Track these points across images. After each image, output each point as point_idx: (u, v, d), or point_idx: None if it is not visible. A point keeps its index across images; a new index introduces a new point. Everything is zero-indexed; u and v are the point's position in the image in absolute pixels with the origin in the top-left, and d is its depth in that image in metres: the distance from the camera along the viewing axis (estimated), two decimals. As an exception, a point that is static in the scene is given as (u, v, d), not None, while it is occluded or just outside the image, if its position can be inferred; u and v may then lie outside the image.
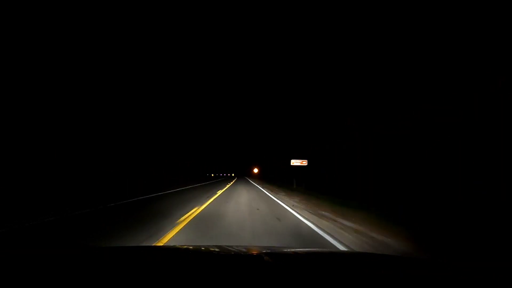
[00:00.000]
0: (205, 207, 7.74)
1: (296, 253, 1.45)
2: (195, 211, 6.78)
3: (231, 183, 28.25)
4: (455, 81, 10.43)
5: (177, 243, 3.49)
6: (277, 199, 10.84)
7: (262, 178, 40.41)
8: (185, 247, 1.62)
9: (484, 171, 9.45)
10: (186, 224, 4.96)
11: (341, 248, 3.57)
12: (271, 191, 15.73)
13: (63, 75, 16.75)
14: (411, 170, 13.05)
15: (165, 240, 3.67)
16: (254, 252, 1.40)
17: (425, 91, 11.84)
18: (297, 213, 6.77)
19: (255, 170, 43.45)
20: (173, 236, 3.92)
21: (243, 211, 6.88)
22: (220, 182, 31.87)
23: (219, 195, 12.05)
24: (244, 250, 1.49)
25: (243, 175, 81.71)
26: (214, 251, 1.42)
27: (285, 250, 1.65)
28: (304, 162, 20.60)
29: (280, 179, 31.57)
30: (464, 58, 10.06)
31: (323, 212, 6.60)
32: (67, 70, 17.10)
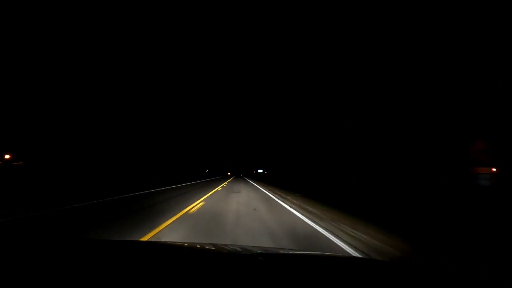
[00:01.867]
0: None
1: (291, 255, 1.45)
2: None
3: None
4: (455, 81, 10.43)
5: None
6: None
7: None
8: (180, 244, 1.62)
9: (484, 171, 9.45)
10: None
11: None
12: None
13: (64, 76, 16.81)
14: (412, 170, 13.04)
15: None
16: (249, 252, 1.40)
17: (425, 91, 11.84)
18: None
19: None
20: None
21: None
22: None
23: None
24: (239, 249, 1.49)
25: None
26: (209, 249, 1.42)
27: (281, 251, 1.64)
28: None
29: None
30: (464, 58, 10.06)
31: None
32: (68, 71, 17.16)
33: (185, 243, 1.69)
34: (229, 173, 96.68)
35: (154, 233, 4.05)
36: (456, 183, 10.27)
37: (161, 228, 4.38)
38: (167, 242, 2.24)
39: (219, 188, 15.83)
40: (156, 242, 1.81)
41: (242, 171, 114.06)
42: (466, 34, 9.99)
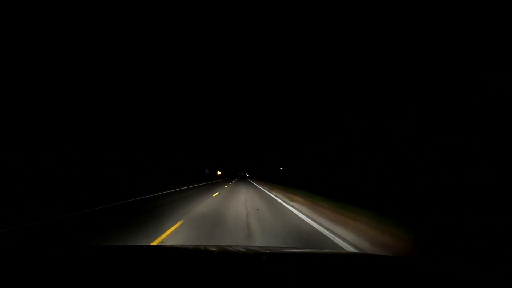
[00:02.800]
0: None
1: (295, 254, 1.46)
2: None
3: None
4: (455, 81, 10.43)
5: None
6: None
7: None
8: (184, 246, 1.63)
9: (483, 171, 9.45)
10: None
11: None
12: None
13: (64, 76, 16.75)
14: (412, 170, 13.04)
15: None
16: (253, 253, 1.40)
17: (425, 91, 11.84)
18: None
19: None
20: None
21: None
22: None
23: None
24: (242, 250, 1.50)
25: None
26: (213, 250, 1.42)
27: (285, 250, 1.65)
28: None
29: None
30: (464, 58, 10.06)
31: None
32: (67, 70, 17.09)
33: (189, 245, 1.69)
34: (218, 172, 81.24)
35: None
36: (456, 183, 10.27)
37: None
38: (170, 245, 2.25)
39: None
40: (159, 246, 1.81)
41: (243, 171, 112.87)
42: (466, 34, 9.99)
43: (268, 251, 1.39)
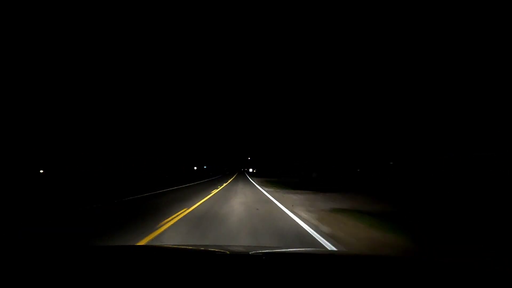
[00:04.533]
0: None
1: (295, 254, 1.46)
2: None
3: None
4: (454, 81, 10.44)
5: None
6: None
7: None
8: (183, 246, 1.63)
9: (483, 171, 9.48)
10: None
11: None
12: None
13: (63, 75, 16.73)
14: (408, 169, 13.09)
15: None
16: (253, 252, 1.40)
17: (424, 91, 11.86)
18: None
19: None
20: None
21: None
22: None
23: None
24: (243, 250, 1.50)
25: None
26: (213, 251, 1.42)
27: (285, 250, 1.65)
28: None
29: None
30: (464, 58, 10.07)
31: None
32: (67, 69, 17.07)
33: (188, 245, 1.69)
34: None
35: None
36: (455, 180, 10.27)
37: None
38: (170, 245, 2.24)
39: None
40: (159, 246, 1.81)
41: (241, 166, 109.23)
42: (466, 34, 9.98)
43: (268, 251, 1.39)
